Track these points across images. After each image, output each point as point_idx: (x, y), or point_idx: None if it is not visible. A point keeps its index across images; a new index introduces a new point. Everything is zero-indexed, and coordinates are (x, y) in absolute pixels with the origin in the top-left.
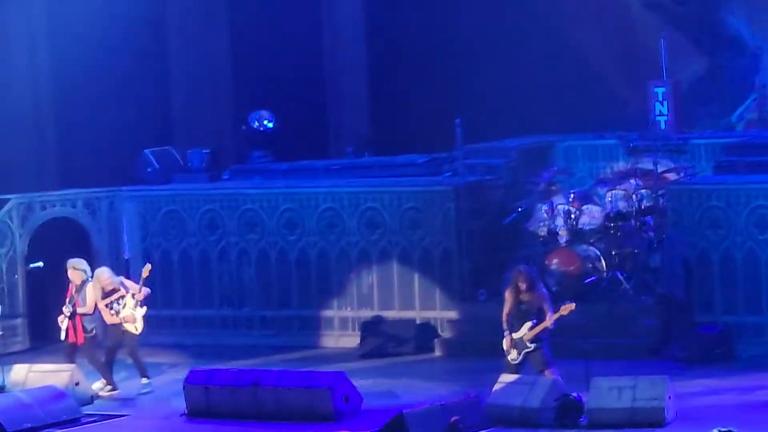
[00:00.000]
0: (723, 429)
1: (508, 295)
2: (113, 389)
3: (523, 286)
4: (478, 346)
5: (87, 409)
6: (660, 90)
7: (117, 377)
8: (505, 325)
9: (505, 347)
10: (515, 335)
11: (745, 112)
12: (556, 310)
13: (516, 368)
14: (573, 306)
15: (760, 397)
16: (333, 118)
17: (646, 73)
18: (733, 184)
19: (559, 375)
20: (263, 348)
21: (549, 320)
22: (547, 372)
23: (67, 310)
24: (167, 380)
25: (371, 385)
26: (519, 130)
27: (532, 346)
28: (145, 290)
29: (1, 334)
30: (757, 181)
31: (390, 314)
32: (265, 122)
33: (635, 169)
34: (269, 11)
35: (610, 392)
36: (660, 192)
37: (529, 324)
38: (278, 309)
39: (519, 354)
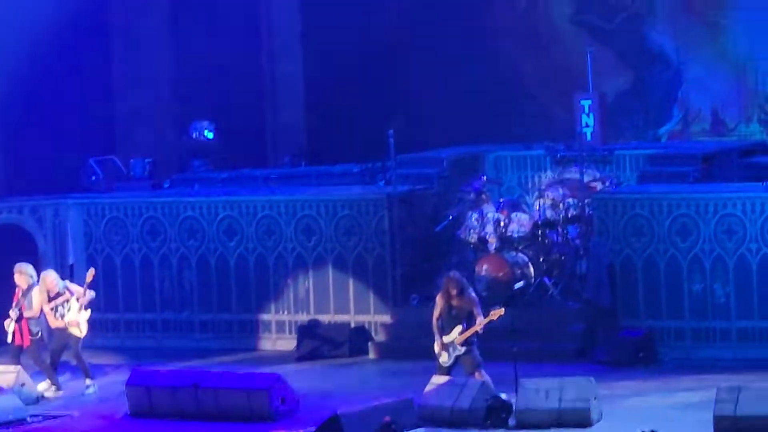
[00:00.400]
0: (646, 430)
1: (439, 300)
2: (58, 390)
3: (453, 291)
4: (410, 349)
5: (32, 410)
6: (586, 102)
7: (61, 378)
8: (435, 329)
9: (436, 350)
10: (446, 338)
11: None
12: (485, 315)
13: (447, 370)
14: (502, 311)
15: (681, 399)
16: (271, 128)
17: (573, 86)
18: (656, 193)
19: (488, 377)
20: (203, 350)
21: (479, 324)
22: (477, 374)
23: (13, 313)
24: (110, 381)
25: (307, 386)
26: (450, 141)
27: (463, 349)
28: (90, 294)
29: None
30: (678, 190)
31: (325, 318)
32: (206, 132)
33: (562, 178)
34: (210, 24)
35: (537, 394)
36: (586, 201)
37: (459, 328)
38: (218, 313)
39: (450, 356)
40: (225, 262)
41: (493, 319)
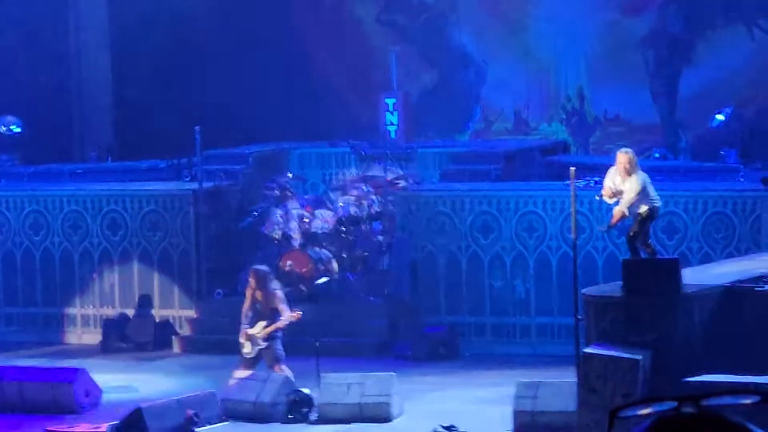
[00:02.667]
0: (445, 425)
1: (247, 293)
2: None
3: (258, 285)
4: (214, 343)
5: None
6: (390, 101)
7: None
8: (243, 320)
9: (240, 341)
10: (250, 331)
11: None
12: (290, 310)
13: (250, 362)
14: (299, 314)
15: (481, 394)
16: (78, 124)
17: (378, 84)
18: (458, 191)
19: (290, 371)
20: (8, 344)
21: (281, 322)
22: (277, 368)
23: None
24: None
25: (111, 380)
26: (256, 138)
27: (265, 344)
28: None
29: None
30: (480, 188)
31: (130, 312)
32: (12, 127)
33: (366, 176)
34: (17, 20)
35: (339, 388)
36: (389, 198)
37: (263, 323)
38: (23, 306)
39: (252, 349)
40: (31, 255)
41: (292, 320)
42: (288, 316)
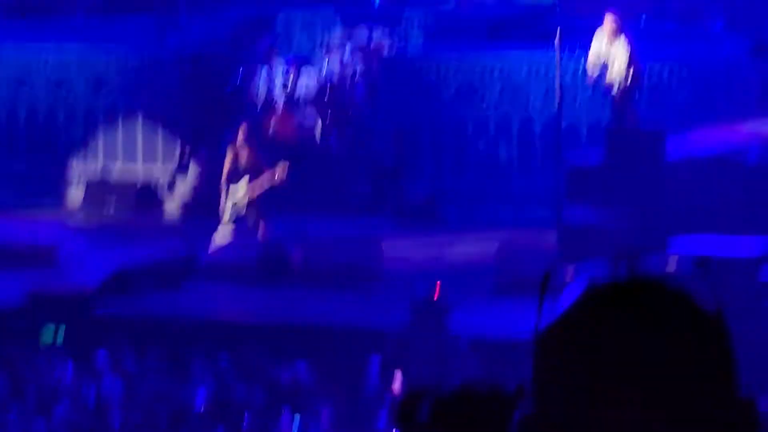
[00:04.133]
0: (427, 288)
1: (229, 151)
2: None
3: (243, 140)
4: (198, 204)
5: None
6: None
7: None
8: (223, 183)
9: (222, 202)
10: (233, 189)
11: None
12: (271, 168)
13: (232, 223)
14: (286, 166)
15: (460, 257)
16: None
17: None
18: (443, 56)
19: (272, 231)
20: None
21: (264, 177)
22: (261, 227)
23: None
24: None
25: (95, 238)
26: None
27: (246, 200)
28: None
29: None
30: (465, 53)
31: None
32: None
33: (351, 37)
34: None
35: (322, 249)
36: (374, 60)
37: (246, 179)
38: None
39: (234, 208)
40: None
41: (277, 175)
42: (275, 170)
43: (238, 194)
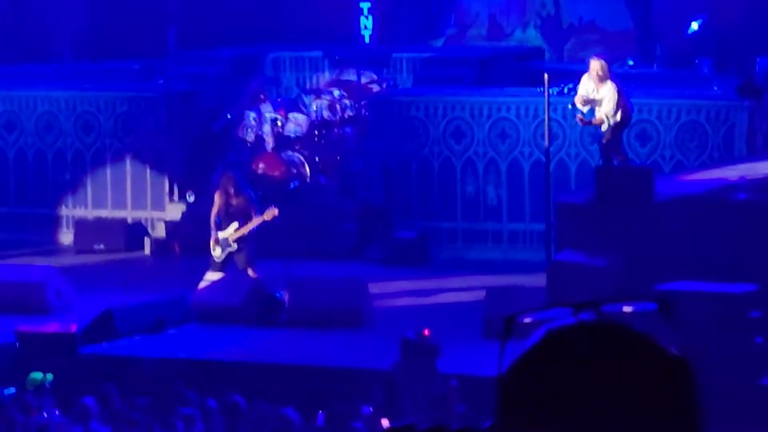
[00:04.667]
0: (415, 331)
1: (217, 198)
2: None
3: (231, 189)
4: (185, 246)
5: None
6: (365, 5)
7: None
8: (212, 225)
9: (211, 245)
10: (221, 234)
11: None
12: (261, 214)
13: (221, 266)
14: (276, 211)
15: (451, 299)
16: (52, 23)
17: None
18: (432, 96)
19: (261, 274)
20: None
21: (253, 222)
22: (249, 270)
23: None
24: None
25: (83, 280)
26: (231, 40)
27: (236, 245)
28: None
29: None
30: (453, 93)
31: (103, 213)
32: None
33: (340, 80)
34: None
35: (309, 292)
36: (363, 102)
37: (235, 225)
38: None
39: (223, 252)
40: (3, 156)
41: (266, 219)
42: (264, 214)
43: (226, 235)
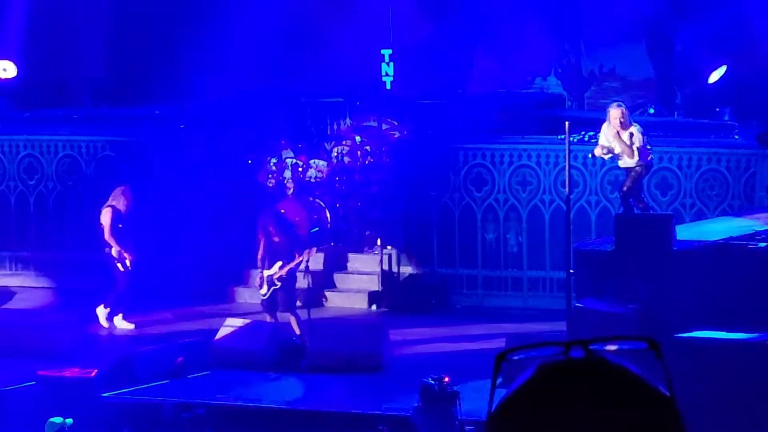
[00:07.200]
0: (435, 377)
1: (260, 237)
2: None
3: (271, 228)
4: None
5: None
6: (387, 52)
7: None
8: (259, 264)
9: (257, 283)
10: (266, 273)
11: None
12: (302, 253)
13: (266, 303)
14: (314, 250)
15: (470, 346)
16: (72, 69)
17: (374, 36)
18: (452, 143)
19: (295, 317)
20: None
21: (296, 261)
22: (288, 314)
23: None
24: None
25: (103, 323)
26: (250, 85)
27: (279, 283)
28: None
29: None
30: (474, 140)
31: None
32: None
33: (360, 126)
34: None
35: (330, 337)
36: (383, 148)
37: (279, 263)
38: (16, 250)
39: (268, 290)
40: (24, 200)
41: (308, 258)
42: (305, 253)
43: (271, 273)
